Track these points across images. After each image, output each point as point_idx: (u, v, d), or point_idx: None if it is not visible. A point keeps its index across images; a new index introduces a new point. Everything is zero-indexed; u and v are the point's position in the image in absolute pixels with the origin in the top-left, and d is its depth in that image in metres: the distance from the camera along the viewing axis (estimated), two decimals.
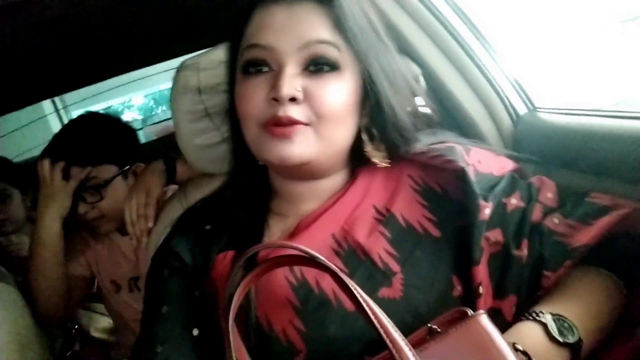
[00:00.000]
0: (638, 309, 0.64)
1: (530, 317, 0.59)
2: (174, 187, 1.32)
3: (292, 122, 0.61)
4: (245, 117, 0.66)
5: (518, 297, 0.64)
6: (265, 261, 0.59)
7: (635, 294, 0.65)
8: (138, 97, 5.31)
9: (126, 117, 5.34)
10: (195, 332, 0.67)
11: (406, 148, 0.69)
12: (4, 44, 1.08)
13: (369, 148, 0.69)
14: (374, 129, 0.68)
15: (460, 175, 0.67)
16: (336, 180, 0.73)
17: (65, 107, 3.58)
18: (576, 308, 0.60)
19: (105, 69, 1.53)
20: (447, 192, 0.69)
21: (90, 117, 1.36)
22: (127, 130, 1.39)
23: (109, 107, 5.26)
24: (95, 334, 1.62)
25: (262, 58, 0.63)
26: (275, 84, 0.61)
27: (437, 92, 1.01)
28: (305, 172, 0.69)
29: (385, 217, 0.68)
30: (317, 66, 0.63)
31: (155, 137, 2.38)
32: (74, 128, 1.34)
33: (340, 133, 0.66)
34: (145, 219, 1.03)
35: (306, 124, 0.63)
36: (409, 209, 0.69)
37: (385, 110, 0.66)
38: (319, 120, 0.63)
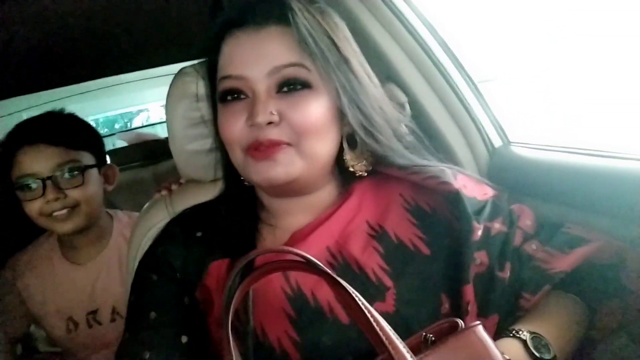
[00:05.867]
0: (598, 329, 0.70)
1: (511, 334, 0.63)
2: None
3: (273, 144, 0.64)
4: (229, 142, 0.68)
5: (499, 316, 0.68)
6: (263, 265, 0.59)
7: (599, 317, 0.71)
8: None
9: None
10: (184, 339, 0.67)
11: (386, 156, 0.71)
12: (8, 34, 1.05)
13: (348, 156, 0.71)
14: (355, 137, 0.71)
15: (452, 197, 0.70)
16: (324, 194, 0.75)
17: None
18: (552, 328, 0.65)
19: (103, 67, 1.49)
20: (437, 212, 0.73)
21: (62, 112, 1.29)
22: (96, 131, 1.35)
23: None
24: (44, 347, 1.51)
25: (236, 87, 0.66)
26: (251, 111, 0.64)
27: (420, 119, 1.06)
28: (292, 189, 0.70)
29: (378, 233, 0.71)
30: (290, 87, 0.65)
31: (126, 144, 2.33)
32: (50, 115, 1.26)
33: (323, 147, 0.67)
34: None
35: (288, 144, 0.65)
36: (400, 226, 0.71)
37: (359, 117, 0.68)
38: (299, 138, 0.65)
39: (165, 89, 0.90)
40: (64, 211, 1.17)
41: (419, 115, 1.04)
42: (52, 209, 1.16)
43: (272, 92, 0.65)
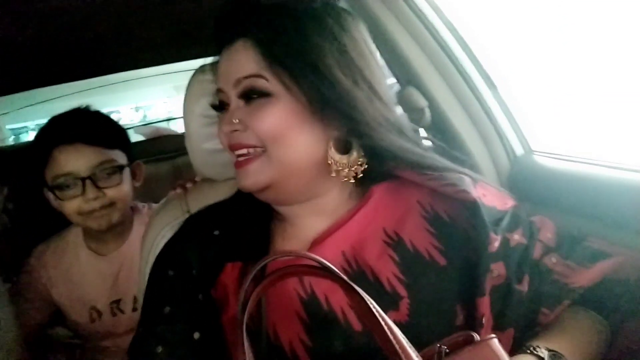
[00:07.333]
0: (619, 349, 0.68)
1: (528, 351, 0.61)
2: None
3: (242, 146, 0.68)
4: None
5: (516, 330, 0.66)
6: (278, 270, 0.58)
7: (619, 336, 0.68)
8: None
9: None
10: (196, 335, 0.67)
11: (387, 151, 0.68)
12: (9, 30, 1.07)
13: (331, 160, 0.69)
14: (350, 141, 0.69)
15: (470, 206, 0.68)
16: (332, 197, 0.73)
17: None
18: (570, 346, 0.63)
19: (106, 65, 1.51)
20: (455, 221, 0.71)
21: (89, 109, 1.28)
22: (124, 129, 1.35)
23: None
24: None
25: (220, 99, 0.72)
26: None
27: (440, 124, 1.04)
28: (277, 196, 0.71)
29: (394, 242, 0.69)
30: (250, 96, 0.67)
31: (144, 139, 2.36)
32: (81, 113, 1.25)
33: (292, 153, 0.67)
34: None
35: (258, 147, 0.67)
36: (417, 235, 0.70)
37: (340, 118, 0.66)
38: (265, 143, 0.66)
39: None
40: (102, 209, 1.19)
41: (438, 120, 1.02)
42: (91, 208, 1.17)
43: (241, 103, 0.69)
